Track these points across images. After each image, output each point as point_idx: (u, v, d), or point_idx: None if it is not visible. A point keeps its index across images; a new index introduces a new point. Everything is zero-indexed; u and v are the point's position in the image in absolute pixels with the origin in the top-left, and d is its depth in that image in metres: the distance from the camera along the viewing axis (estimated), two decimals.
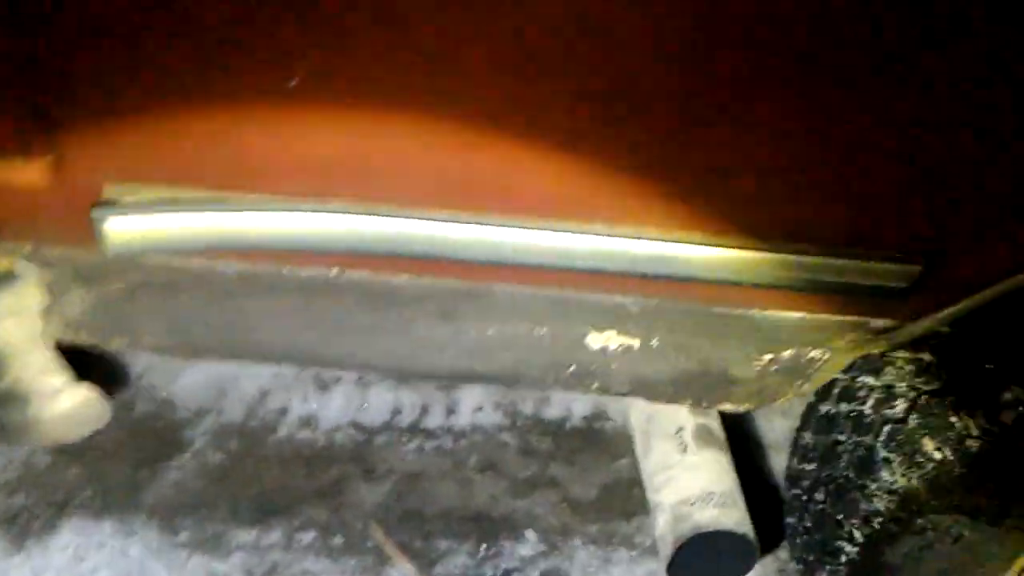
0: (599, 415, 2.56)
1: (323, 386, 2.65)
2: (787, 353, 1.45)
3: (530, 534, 2.33)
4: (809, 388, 1.53)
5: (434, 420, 2.54)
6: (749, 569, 1.61)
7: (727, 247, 1.28)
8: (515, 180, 1.22)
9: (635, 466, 2.48)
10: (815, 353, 1.46)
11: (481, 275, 1.33)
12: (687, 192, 1.25)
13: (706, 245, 1.27)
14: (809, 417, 1.82)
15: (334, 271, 1.36)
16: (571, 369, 1.49)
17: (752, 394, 1.53)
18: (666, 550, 1.56)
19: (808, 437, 1.82)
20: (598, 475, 2.45)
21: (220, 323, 1.43)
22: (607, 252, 1.26)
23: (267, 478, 2.38)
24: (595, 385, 1.51)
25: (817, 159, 1.23)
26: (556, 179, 1.23)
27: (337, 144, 1.23)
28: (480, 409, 2.57)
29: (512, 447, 2.52)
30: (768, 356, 1.45)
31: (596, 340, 1.45)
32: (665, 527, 1.58)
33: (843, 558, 1.72)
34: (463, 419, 2.56)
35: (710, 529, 1.52)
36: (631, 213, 1.26)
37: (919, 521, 1.62)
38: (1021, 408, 1.50)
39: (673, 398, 1.55)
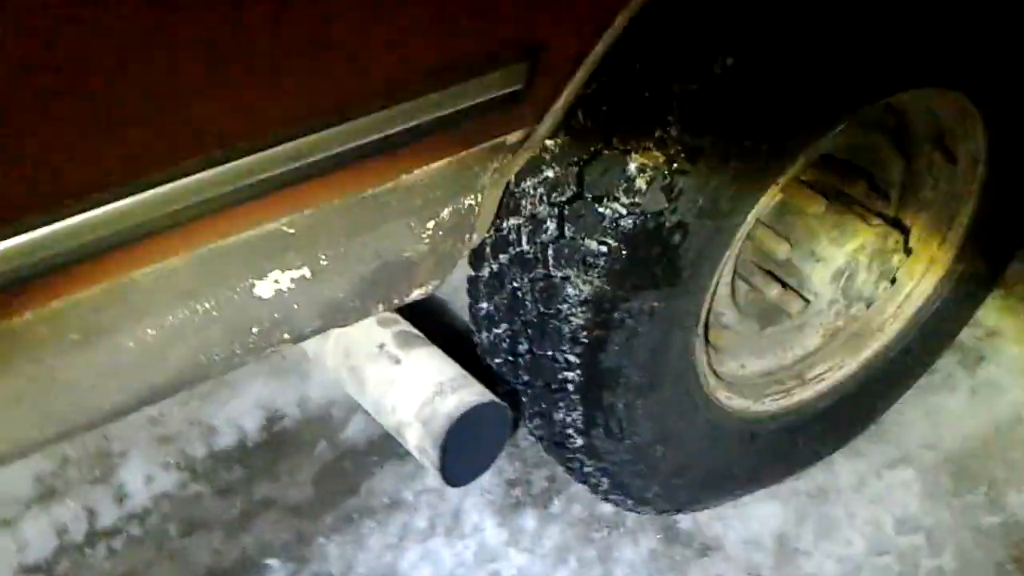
0: (274, 419, 2.46)
1: None
2: (446, 212, 1.41)
3: (272, 562, 2.19)
4: (476, 238, 1.50)
5: (107, 517, 2.25)
6: (509, 430, 1.59)
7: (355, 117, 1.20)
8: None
9: (335, 444, 2.40)
10: (469, 200, 1.42)
11: (112, 267, 1.14)
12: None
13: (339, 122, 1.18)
14: (477, 285, 1.79)
15: None
16: (254, 331, 1.35)
17: (433, 269, 1.48)
18: (432, 456, 1.49)
19: (484, 305, 1.79)
20: (304, 472, 2.37)
21: None
22: (252, 164, 1.13)
23: None
24: (285, 335, 1.38)
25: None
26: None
27: None
28: (151, 479, 2.31)
29: (207, 494, 2.33)
30: (431, 223, 1.40)
31: (265, 287, 1.32)
32: (418, 437, 1.50)
33: (569, 387, 1.72)
34: (139, 499, 2.30)
35: (459, 412, 1.47)
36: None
37: (616, 315, 1.63)
38: (650, 176, 1.52)
39: (364, 310, 1.47)
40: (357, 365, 1.59)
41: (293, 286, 1.34)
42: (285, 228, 1.26)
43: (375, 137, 1.24)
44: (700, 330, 1.83)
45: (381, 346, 1.59)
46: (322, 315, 1.41)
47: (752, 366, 2.10)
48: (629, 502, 2.03)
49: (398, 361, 1.57)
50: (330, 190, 1.27)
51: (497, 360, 1.84)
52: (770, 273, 1.97)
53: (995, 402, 2.45)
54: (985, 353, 2.55)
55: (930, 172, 2.06)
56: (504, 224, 1.66)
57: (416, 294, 1.51)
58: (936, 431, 2.39)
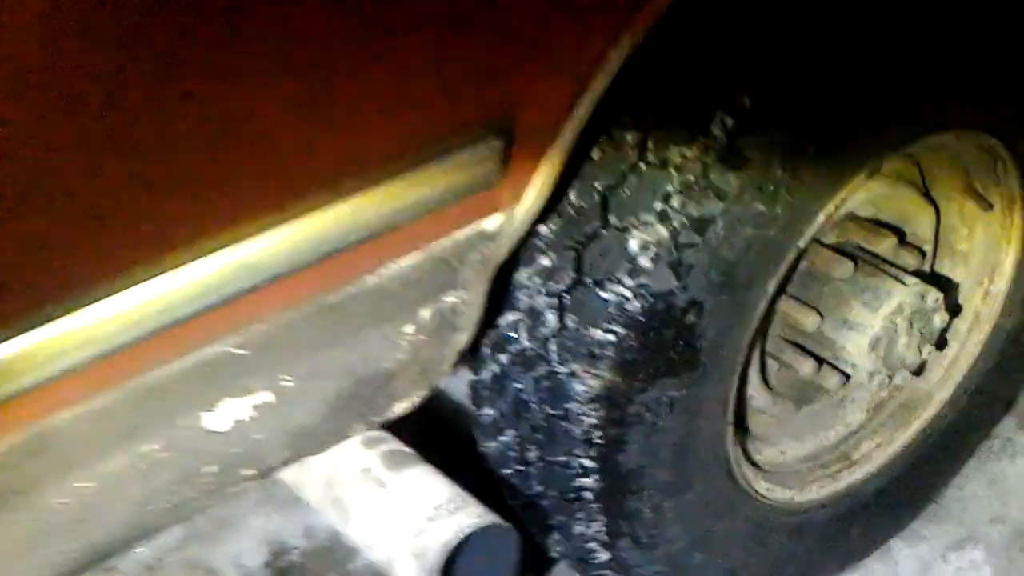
0: (279, 553, 2.25)
1: None
2: (425, 312, 1.24)
3: None
4: (464, 338, 1.33)
5: None
6: (520, 554, 1.39)
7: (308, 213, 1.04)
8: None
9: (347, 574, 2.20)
10: (451, 297, 1.26)
11: (22, 414, 0.96)
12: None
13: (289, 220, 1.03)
14: (478, 391, 1.63)
15: None
16: (210, 471, 1.17)
17: (416, 379, 1.31)
18: None
19: (488, 411, 1.63)
20: None
21: None
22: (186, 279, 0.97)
23: None
24: (249, 471, 1.21)
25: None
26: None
27: None
28: None
29: None
30: (409, 327, 1.23)
31: (218, 419, 1.15)
32: (412, 574, 1.30)
33: (587, 496, 1.56)
34: None
35: (456, 540, 1.28)
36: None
37: (632, 410, 1.49)
38: (655, 253, 1.38)
39: (339, 433, 1.30)
40: (341, 495, 1.41)
41: (253, 414, 1.18)
42: (234, 349, 1.08)
43: (331, 234, 1.08)
44: (729, 417, 1.67)
45: (367, 470, 1.40)
46: (291, 444, 1.24)
47: (792, 451, 1.93)
48: None
49: (384, 486, 1.38)
50: (283, 300, 1.11)
51: (506, 471, 1.66)
52: (801, 347, 1.80)
53: None
54: None
55: (963, 221, 1.91)
56: (502, 321, 1.52)
57: (399, 409, 1.34)
58: (1002, 502, 2.18)
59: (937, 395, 1.99)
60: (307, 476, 1.46)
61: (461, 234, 1.20)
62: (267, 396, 1.18)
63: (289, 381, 1.19)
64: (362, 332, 1.21)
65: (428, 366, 1.33)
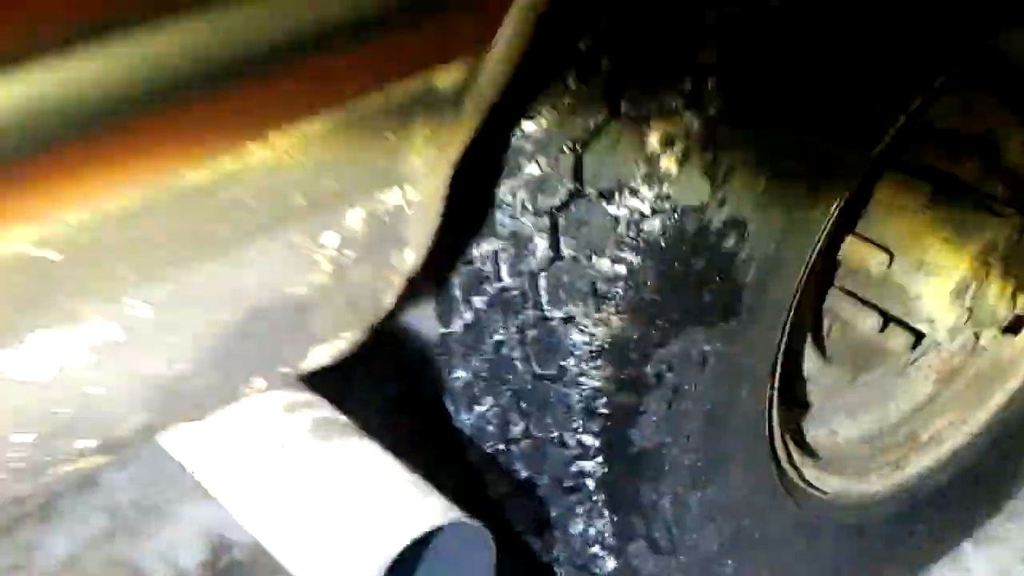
0: (220, 549, 1.98)
1: None
2: (353, 216, 0.89)
3: None
4: (412, 259, 0.99)
5: None
6: (494, 560, 1.05)
7: None
8: None
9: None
10: (391, 194, 0.90)
11: None
12: None
13: None
14: (448, 347, 1.34)
15: None
16: (21, 441, 0.84)
17: (342, 314, 0.97)
18: None
19: (460, 373, 1.35)
20: None
21: None
22: None
23: None
24: (87, 443, 0.87)
25: None
26: None
27: None
28: None
29: None
30: (329, 235, 0.88)
31: (29, 362, 0.80)
32: None
33: (588, 483, 1.28)
34: None
35: (402, 545, 0.94)
36: None
37: (649, 369, 1.20)
38: (683, 152, 1.10)
39: (230, 391, 0.96)
40: (249, 479, 1.04)
41: (88, 357, 0.82)
42: (36, 250, 0.72)
43: (181, 64, 0.73)
44: (775, 384, 1.37)
45: (286, 446, 1.05)
46: (153, 405, 0.90)
47: (846, 431, 1.65)
48: None
49: (311, 469, 1.03)
50: (114, 173, 0.74)
51: (483, 451, 1.39)
52: (863, 299, 1.51)
53: None
54: None
55: None
56: (476, 252, 1.25)
57: (319, 357, 0.99)
58: None
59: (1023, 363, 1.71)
60: (201, 452, 1.10)
61: (400, 89, 0.83)
62: (108, 329, 0.82)
63: (141, 308, 0.82)
64: (254, 238, 0.85)
65: (360, 297, 0.97)
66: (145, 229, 0.79)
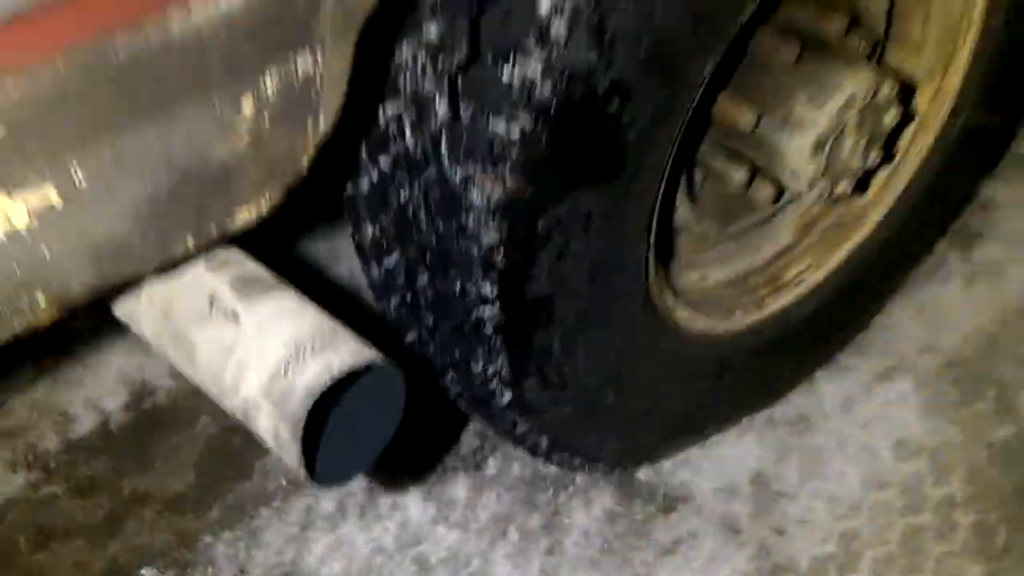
0: (141, 394, 2.00)
1: None
2: (267, 80, 0.90)
3: (148, 571, 1.76)
4: (324, 123, 0.99)
5: None
6: (405, 396, 1.10)
7: None
8: None
9: (220, 416, 1.92)
10: (302, 58, 0.91)
11: None
12: None
13: None
14: (355, 205, 1.33)
15: None
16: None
17: (262, 177, 0.97)
18: (291, 448, 0.98)
19: (368, 229, 1.35)
20: (183, 456, 1.91)
21: None
22: None
23: None
24: (36, 301, 0.89)
25: None
26: None
27: None
28: None
29: (63, 495, 1.86)
30: (246, 98, 0.88)
31: None
32: (272, 422, 1.00)
33: (487, 328, 1.30)
34: None
35: (324, 382, 0.97)
36: None
37: (541, 225, 1.21)
38: (571, 15, 1.07)
39: (163, 251, 0.96)
40: (182, 329, 1.07)
41: (29, 221, 0.82)
42: None
43: None
44: (652, 237, 1.38)
45: (212, 299, 1.07)
46: (96, 263, 0.90)
47: (715, 275, 1.66)
48: (577, 461, 1.61)
49: (237, 318, 1.06)
50: (46, 48, 0.73)
51: (393, 301, 1.40)
52: (733, 152, 1.51)
53: (998, 288, 1.99)
54: (981, 230, 2.06)
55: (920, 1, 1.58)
56: (380, 114, 1.22)
57: (243, 218, 0.99)
58: (932, 331, 1.94)
59: (873, 213, 1.73)
60: (139, 305, 1.12)
61: None
62: (46, 195, 0.83)
63: (79, 175, 0.83)
64: (177, 103, 0.85)
65: (278, 160, 0.97)
66: (73, 97, 0.80)
